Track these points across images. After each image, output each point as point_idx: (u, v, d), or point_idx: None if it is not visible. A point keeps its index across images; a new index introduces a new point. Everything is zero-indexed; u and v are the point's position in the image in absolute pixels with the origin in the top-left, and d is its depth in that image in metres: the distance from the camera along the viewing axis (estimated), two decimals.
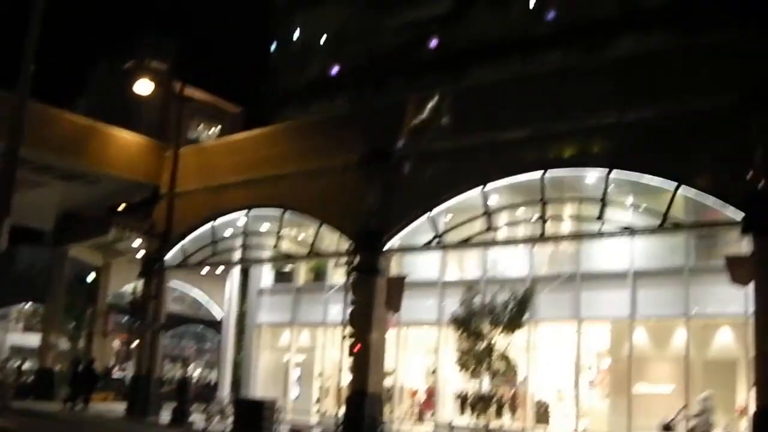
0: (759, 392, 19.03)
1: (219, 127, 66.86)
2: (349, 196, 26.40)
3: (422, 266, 28.18)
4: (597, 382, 25.76)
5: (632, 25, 27.75)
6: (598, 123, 22.05)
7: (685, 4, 27.09)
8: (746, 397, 21.62)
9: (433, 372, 28.45)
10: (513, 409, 25.90)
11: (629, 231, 22.33)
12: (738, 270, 20.25)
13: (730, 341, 23.43)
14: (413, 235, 25.79)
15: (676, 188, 20.93)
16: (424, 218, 25.18)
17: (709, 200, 20.72)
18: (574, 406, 25.26)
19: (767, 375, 18.88)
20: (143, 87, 29.67)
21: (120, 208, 34.42)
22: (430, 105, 25.51)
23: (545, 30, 29.54)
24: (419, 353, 29.50)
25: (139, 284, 34.31)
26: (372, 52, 34.09)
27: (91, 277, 43.85)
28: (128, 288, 44.32)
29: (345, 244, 27.11)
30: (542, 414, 25.99)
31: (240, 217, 30.81)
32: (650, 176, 21.53)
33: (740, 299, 21.04)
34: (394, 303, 25.65)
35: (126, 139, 33.85)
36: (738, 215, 19.97)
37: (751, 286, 19.83)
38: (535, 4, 30.16)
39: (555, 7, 29.61)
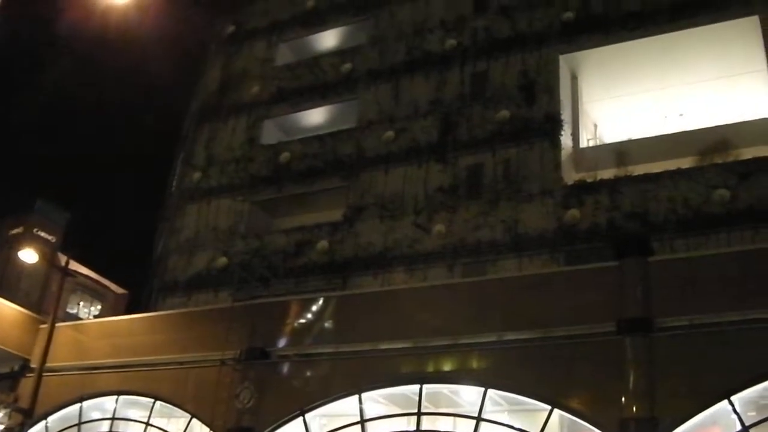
0: None
1: (100, 306, 65.71)
2: (223, 391, 25.80)
3: None
4: None
5: (518, 248, 28.66)
6: (477, 341, 22.38)
7: (568, 234, 28.24)
8: None
9: None
10: None
11: None
12: None
13: None
14: None
15: (551, 410, 21.12)
16: (298, 421, 24.71)
17: (583, 423, 20.90)
18: None
19: None
20: (28, 256, 29.02)
21: None
22: (313, 308, 25.63)
23: (431, 246, 30.22)
24: None
25: None
26: (260, 250, 34.31)
27: None
28: None
29: None
30: None
31: (110, 401, 29.77)
32: (527, 397, 21.75)
33: None
34: None
35: (0, 306, 32.82)
36: None
37: None
38: (422, 220, 30.97)
39: (442, 225, 30.42)
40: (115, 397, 29.58)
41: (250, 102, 39.89)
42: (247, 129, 39.04)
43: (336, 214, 33.78)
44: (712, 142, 29.23)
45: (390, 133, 34.07)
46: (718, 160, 28.27)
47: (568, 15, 32.80)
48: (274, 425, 25.00)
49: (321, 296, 26.29)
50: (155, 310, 34.22)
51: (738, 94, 31.82)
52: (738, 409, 19.55)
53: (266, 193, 36.57)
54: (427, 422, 23.17)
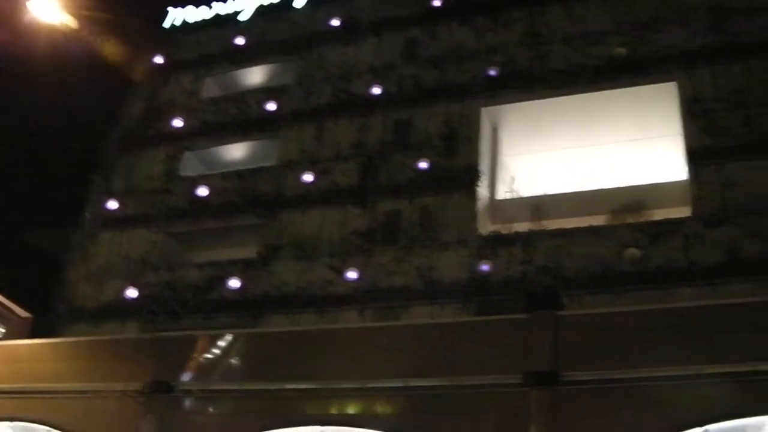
0: None
1: (3, 329, 63.99)
2: (124, 424, 25.38)
3: None
4: None
5: (430, 295, 28.81)
6: (384, 386, 22.42)
7: (480, 285, 28.47)
8: None
9: None
10: None
11: None
12: None
13: None
14: None
15: None
16: None
17: None
18: None
19: None
20: None
21: None
22: (221, 344, 25.40)
23: (344, 289, 30.22)
24: None
25: None
26: (171, 282, 33.91)
27: None
28: None
29: None
30: None
31: (2, 427, 28.96)
32: None
33: None
34: None
35: None
36: None
37: None
38: (337, 263, 30.97)
39: (357, 269, 30.46)
40: (8, 423, 28.83)
41: (173, 133, 39.63)
42: (167, 160, 38.72)
43: (251, 252, 33.62)
44: (626, 202, 29.91)
45: (310, 174, 34.10)
46: (631, 219, 28.90)
47: (494, 69, 33.39)
48: None
49: (230, 333, 26.09)
50: (60, 337, 33.49)
51: (653, 156, 32.58)
52: None
53: (182, 226, 36.25)
54: None
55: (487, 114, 33.04)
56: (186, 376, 25.53)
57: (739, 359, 20.64)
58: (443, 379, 22.11)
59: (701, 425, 19.99)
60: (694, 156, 28.56)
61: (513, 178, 34.60)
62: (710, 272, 25.91)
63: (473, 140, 32.09)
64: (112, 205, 38.52)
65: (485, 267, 28.23)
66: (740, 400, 20.20)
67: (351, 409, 23.09)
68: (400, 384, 22.45)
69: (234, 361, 25.26)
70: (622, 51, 31.60)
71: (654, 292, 26.12)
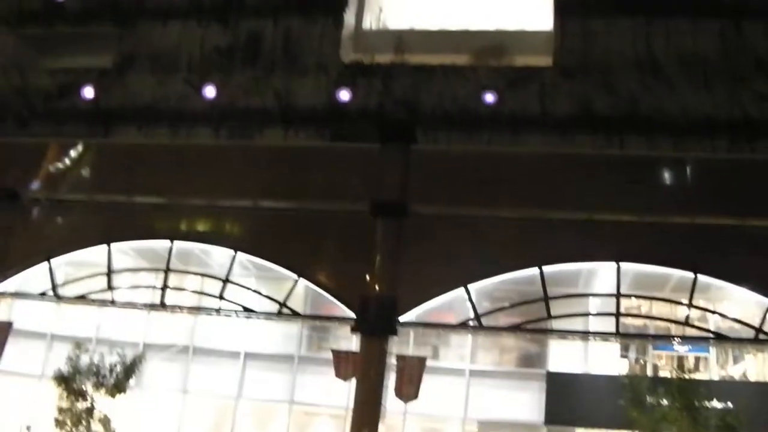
0: None
1: None
2: None
3: (33, 315, 26.88)
4: None
5: (286, 119, 28.56)
6: (233, 205, 22.66)
7: (337, 112, 28.37)
8: None
9: (28, 429, 26.96)
10: None
11: (247, 313, 22.88)
12: (343, 365, 21.43)
13: (327, 431, 24.42)
14: (29, 282, 24.80)
15: (297, 280, 21.82)
16: (43, 266, 24.28)
17: (327, 296, 21.77)
18: None
19: None
20: None
21: None
22: (70, 154, 25.01)
23: (199, 105, 29.62)
24: (15, 406, 27.89)
25: None
26: (21, 88, 32.57)
27: None
28: None
29: None
30: None
31: None
32: (276, 265, 22.33)
33: (342, 392, 22.06)
34: None
35: None
36: (351, 314, 21.13)
37: (353, 381, 21.12)
38: (194, 79, 30.20)
39: (214, 86, 29.76)
40: None
41: None
42: None
43: (106, 61, 32.54)
44: (489, 45, 29.89)
45: None
46: (492, 63, 29.00)
47: None
48: (17, 269, 24.56)
49: (80, 142, 25.64)
50: None
51: (522, 2, 32.57)
52: (473, 299, 20.88)
53: (36, 29, 34.63)
54: (174, 279, 23.46)
55: None
56: (34, 185, 25.16)
57: (578, 207, 21.72)
58: (292, 201, 22.53)
59: (537, 266, 21.11)
60: (561, 7, 28.66)
61: (381, 9, 34.23)
62: (561, 122, 26.46)
63: None
64: None
65: (343, 95, 28.04)
66: (577, 246, 21.35)
67: (199, 226, 23.36)
68: (248, 204, 22.77)
69: (83, 171, 24.98)
70: None
71: (505, 136, 26.58)
